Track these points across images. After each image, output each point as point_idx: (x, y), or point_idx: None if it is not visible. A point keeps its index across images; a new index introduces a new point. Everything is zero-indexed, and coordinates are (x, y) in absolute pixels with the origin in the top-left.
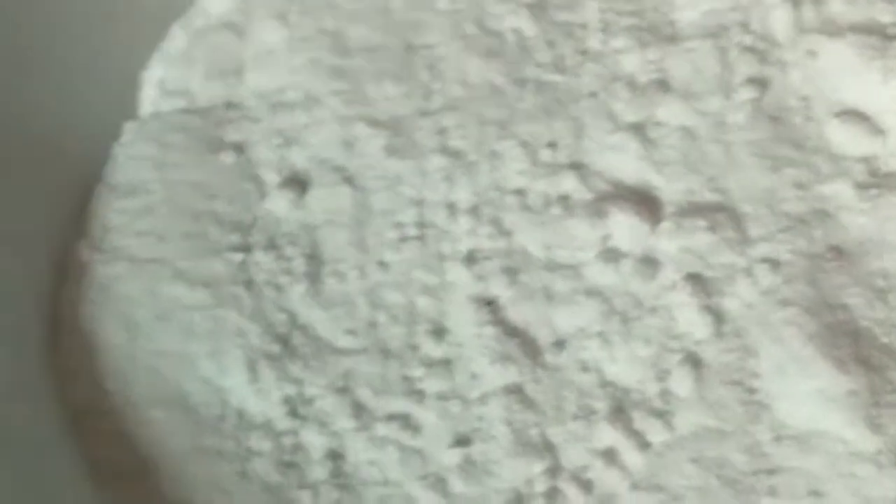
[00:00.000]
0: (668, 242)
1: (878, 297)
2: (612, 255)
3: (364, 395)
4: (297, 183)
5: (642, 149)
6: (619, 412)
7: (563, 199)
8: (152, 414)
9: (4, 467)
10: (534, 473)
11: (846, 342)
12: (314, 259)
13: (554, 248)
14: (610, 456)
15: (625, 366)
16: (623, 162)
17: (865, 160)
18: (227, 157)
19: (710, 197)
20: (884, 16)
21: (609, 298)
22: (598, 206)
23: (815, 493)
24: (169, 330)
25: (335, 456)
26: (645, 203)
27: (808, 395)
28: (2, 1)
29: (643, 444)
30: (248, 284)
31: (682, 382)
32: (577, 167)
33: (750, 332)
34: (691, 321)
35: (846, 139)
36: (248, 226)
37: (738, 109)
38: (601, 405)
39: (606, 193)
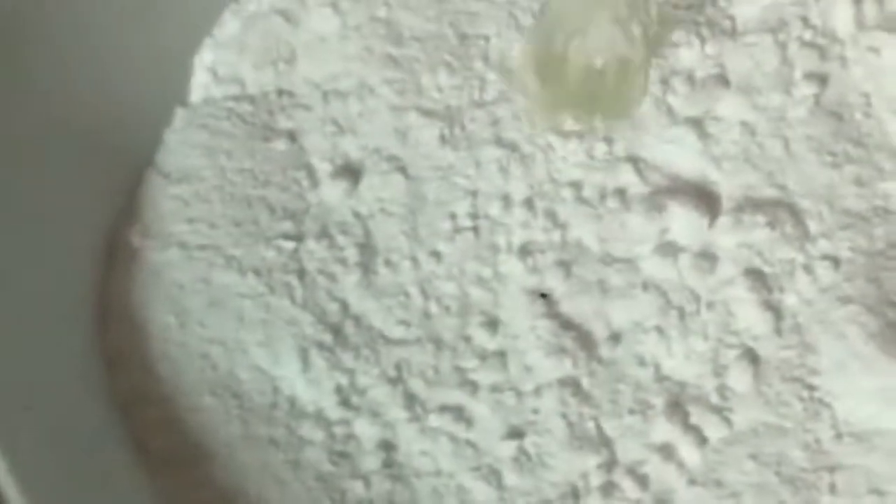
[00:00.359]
0: (726, 237)
1: None
2: (669, 250)
3: (416, 385)
4: (350, 172)
5: (700, 143)
6: (676, 407)
7: (620, 193)
8: (203, 401)
9: (56, 456)
10: (589, 467)
11: None
12: (367, 248)
13: (610, 241)
14: (667, 451)
15: (682, 360)
16: (681, 156)
17: None
18: (280, 145)
19: (768, 192)
20: None
21: (666, 292)
22: (656, 200)
23: (877, 492)
24: (220, 317)
25: (387, 446)
26: (703, 197)
27: (869, 393)
28: None
29: (700, 440)
30: (301, 273)
31: (740, 378)
32: (633, 160)
33: (810, 329)
34: (750, 317)
35: None
36: (300, 214)
37: (798, 105)
38: (658, 400)
39: (664, 187)
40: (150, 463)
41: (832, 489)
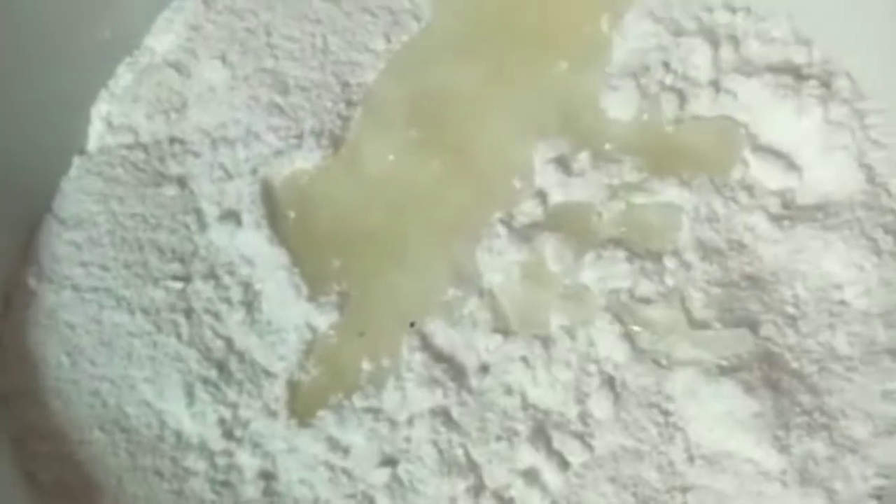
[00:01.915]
0: (589, 271)
1: (788, 324)
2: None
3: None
4: (237, 215)
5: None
6: (540, 433)
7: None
8: (93, 435)
9: None
10: (458, 492)
11: (756, 366)
12: (250, 288)
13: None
14: (531, 475)
15: (546, 389)
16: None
17: (781, 193)
18: (170, 190)
19: None
20: (798, 56)
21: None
22: (527, 232)
23: None
24: (110, 355)
25: (267, 476)
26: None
27: (717, 417)
28: None
29: (563, 464)
30: (188, 312)
31: (600, 405)
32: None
33: (666, 356)
34: (610, 346)
35: (762, 174)
36: (188, 256)
37: None
38: (523, 427)
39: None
40: (41, 495)
41: None
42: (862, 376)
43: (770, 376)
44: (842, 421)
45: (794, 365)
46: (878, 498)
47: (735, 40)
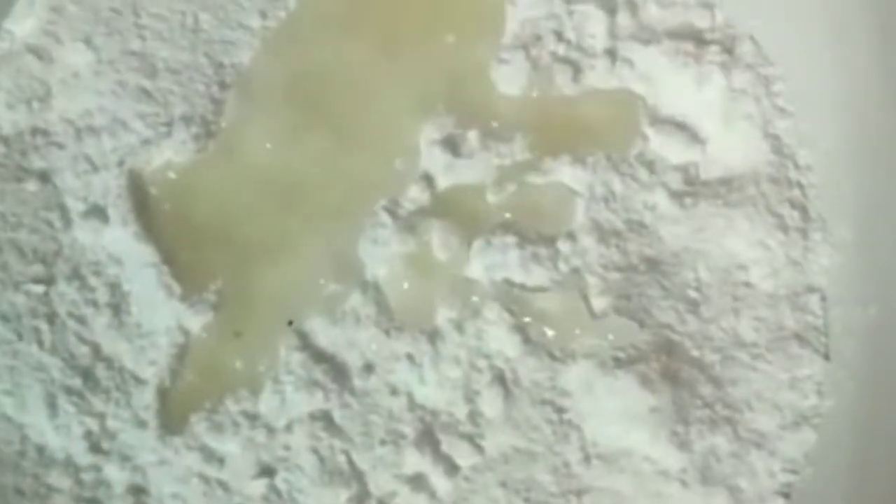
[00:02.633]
0: (477, 259)
1: (690, 310)
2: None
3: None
4: (103, 210)
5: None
6: (428, 436)
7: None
8: None
9: None
10: (341, 501)
11: (655, 357)
12: (118, 289)
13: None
14: (418, 481)
15: (434, 388)
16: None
17: (683, 168)
18: (32, 186)
19: None
20: (699, 20)
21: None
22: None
23: None
24: None
25: (138, 490)
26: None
27: (613, 413)
28: None
29: (451, 469)
30: (50, 317)
31: (491, 403)
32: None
33: (560, 348)
34: (501, 339)
35: (663, 148)
36: (51, 256)
37: None
38: (409, 429)
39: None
40: None
41: None
42: (768, 364)
43: (669, 367)
44: (746, 413)
45: (695, 353)
46: (786, 495)
47: (633, 5)
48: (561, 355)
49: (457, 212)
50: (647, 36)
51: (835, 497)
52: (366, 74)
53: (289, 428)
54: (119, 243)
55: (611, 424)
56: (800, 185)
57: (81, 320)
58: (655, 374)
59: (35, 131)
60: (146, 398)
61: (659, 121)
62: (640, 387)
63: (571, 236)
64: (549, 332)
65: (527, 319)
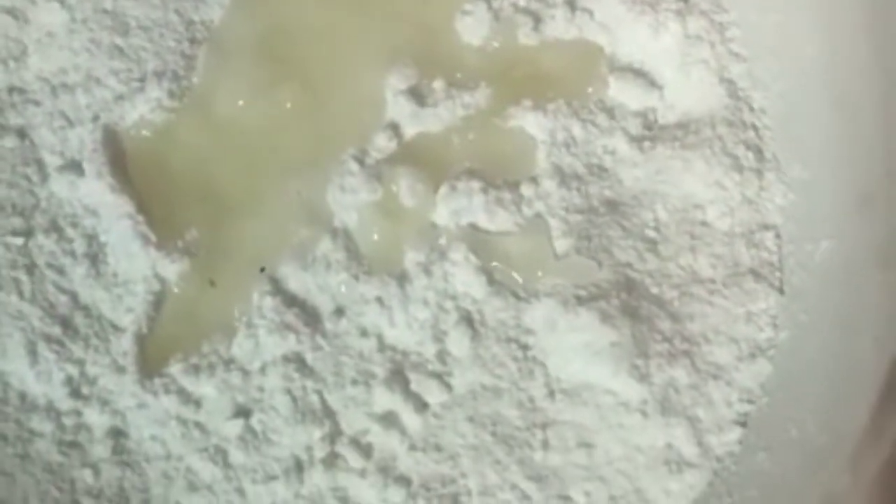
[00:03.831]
0: (443, 204)
1: (649, 249)
2: None
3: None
4: (78, 164)
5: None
6: (398, 375)
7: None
8: None
9: None
10: (314, 440)
11: (615, 294)
12: (95, 239)
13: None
14: (389, 419)
15: (403, 329)
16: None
17: (642, 114)
18: (9, 142)
19: None
20: None
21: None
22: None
23: (586, 445)
24: None
25: (117, 433)
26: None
27: (575, 348)
28: None
29: (421, 406)
30: (30, 268)
31: (459, 342)
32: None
33: (525, 288)
34: (467, 281)
35: (623, 94)
36: (29, 209)
37: None
38: (380, 369)
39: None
40: None
41: (545, 445)
42: (724, 299)
43: (629, 304)
44: (704, 346)
45: (655, 291)
46: (743, 424)
47: None
48: (525, 295)
49: (423, 159)
50: None
51: (789, 424)
52: (333, 28)
53: (263, 370)
54: (95, 195)
55: (573, 360)
56: (754, 128)
57: (60, 270)
58: (616, 310)
59: (12, 89)
60: (124, 345)
61: (617, 68)
62: (600, 323)
63: (534, 181)
64: (514, 274)
65: (492, 262)
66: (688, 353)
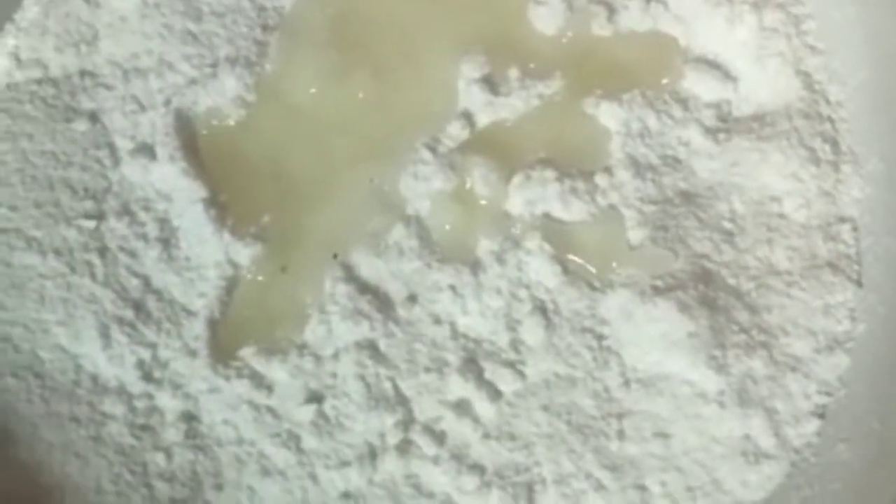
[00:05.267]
0: (518, 193)
1: (725, 240)
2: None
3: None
4: (151, 148)
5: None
6: (471, 363)
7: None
8: (6, 382)
9: None
10: (386, 426)
11: (692, 285)
12: (167, 224)
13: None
14: (462, 407)
15: (477, 317)
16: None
17: (716, 105)
18: (81, 125)
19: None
20: None
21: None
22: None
23: (662, 435)
24: (21, 299)
25: (189, 417)
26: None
27: (653, 339)
28: None
29: (494, 394)
30: (102, 251)
31: (532, 331)
32: None
33: (599, 278)
34: (541, 270)
35: (697, 86)
36: (101, 193)
37: None
38: (453, 357)
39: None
40: None
41: (620, 435)
42: (802, 291)
43: (706, 295)
44: (781, 338)
45: (732, 282)
46: (821, 416)
47: None
48: (600, 285)
49: (496, 148)
50: None
51: (867, 417)
52: (405, 16)
53: (335, 356)
54: (167, 180)
55: (650, 350)
56: (831, 120)
57: (132, 254)
58: (693, 301)
59: (83, 73)
60: (196, 329)
61: (692, 60)
62: (678, 313)
63: (608, 171)
64: (588, 263)
65: (566, 251)
66: (765, 345)
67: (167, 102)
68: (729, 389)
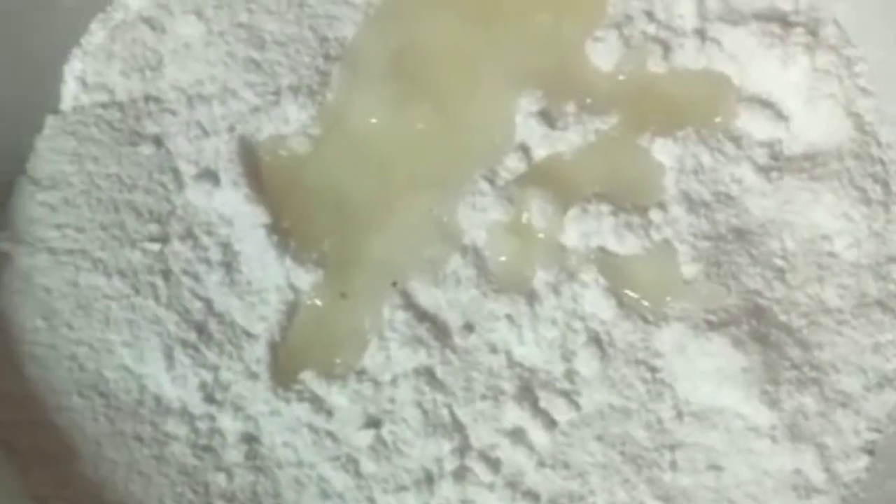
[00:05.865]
0: (574, 226)
1: (777, 277)
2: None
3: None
4: (214, 174)
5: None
6: (527, 392)
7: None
8: (71, 401)
9: None
10: (443, 452)
11: (745, 321)
12: (230, 248)
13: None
14: (517, 435)
15: (532, 347)
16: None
17: (769, 144)
18: (146, 149)
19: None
20: (784, 4)
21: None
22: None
23: (715, 467)
24: (87, 319)
25: (250, 439)
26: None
27: (706, 372)
28: None
29: (549, 423)
30: (166, 274)
31: (587, 362)
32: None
33: (653, 312)
34: (596, 302)
35: (750, 125)
36: (165, 216)
37: None
38: (509, 386)
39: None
40: (20, 462)
41: (673, 466)
42: (852, 329)
43: (759, 330)
44: (832, 375)
45: (783, 318)
46: (870, 452)
47: None
48: (653, 319)
49: (552, 182)
50: (734, 18)
51: None
52: (465, 49)
53: (394, 382)
54: (230, 205)
55: (704, 384)
56: (881, 162)
57: (195, 277)
58: (746, 336)
59: (148, 98)
60: (257, 352)
61: (745, 99)
62: (732, 348)
63: (662, 206)
64: (642, 296)
65: (621, 284)
66: (816, 381)
67: (231, 129)
68: (781, 424)
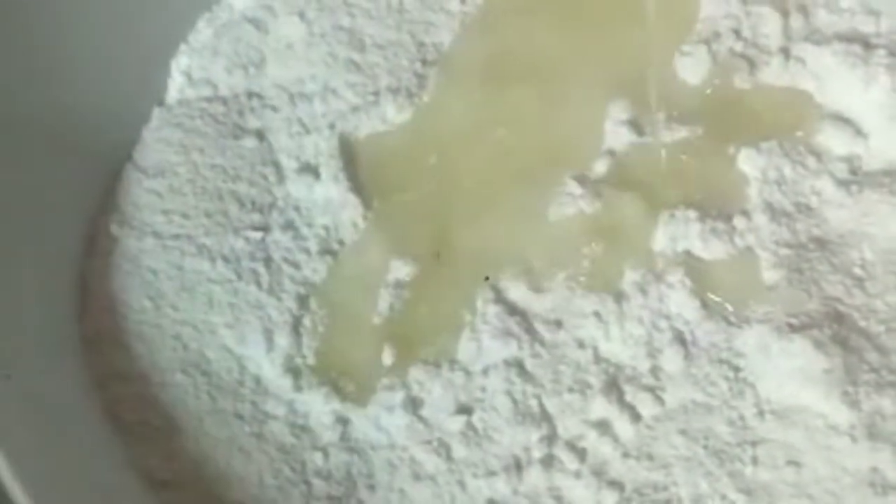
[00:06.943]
0: (662, 230)
1: (856, 285)
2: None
3: None
4: (315, 168)
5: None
6: (613, 386)
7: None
8: (175, 378)
9: (34, 429)
10: (531, 441)
11: (826, 325)
12: (329, 239)
13: None
14: (603, 427)
15: (618, 343)
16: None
17: (848, 159)
18: (249, 143)
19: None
20: (866, 26)
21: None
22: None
23: (795, 463)
24: (192, 301)
25: (345, 421)
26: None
27: (788, 372)
28: None
29: (634, 417)
30: (267, 261)
31: (671, 360)
32: None
33: (736, 314)
34: (681, 303)
35: (830, 140)
36: (267, 207)
37: None
38: (595, 380)
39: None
40: (125, 435)
41: (754, 461)
42: None
43: (839, 334)
44: None
45: (862, 324)
46: None
47: (804, 9)
48: (736, 321)
49: (640, 186)
50: (818, 38)
51: None
52: (558, 58)
53: (485, 372)
54: (330, 198)
55: (785, 383)
56: None
57: (295, 265)
58: (827, 339)
59: (250, 94)
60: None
61: (826, 115)
62: (814, 350)
63: (746, 214)
64: (726, 299)
65: (705, 290)
66: (894, 385)
67: (331, 126)
68: (860, 424)
